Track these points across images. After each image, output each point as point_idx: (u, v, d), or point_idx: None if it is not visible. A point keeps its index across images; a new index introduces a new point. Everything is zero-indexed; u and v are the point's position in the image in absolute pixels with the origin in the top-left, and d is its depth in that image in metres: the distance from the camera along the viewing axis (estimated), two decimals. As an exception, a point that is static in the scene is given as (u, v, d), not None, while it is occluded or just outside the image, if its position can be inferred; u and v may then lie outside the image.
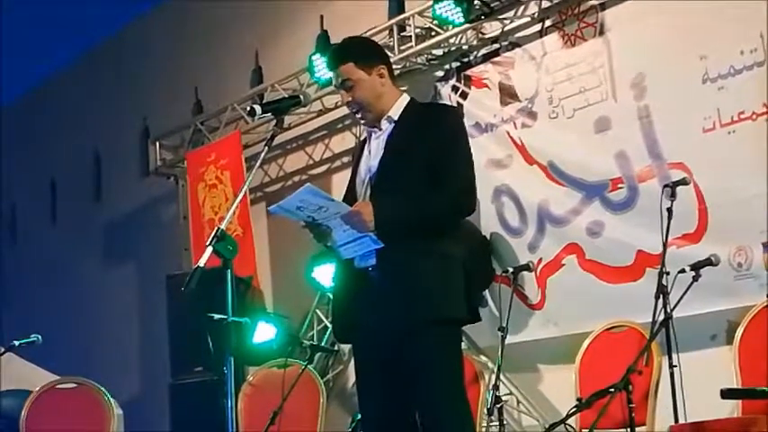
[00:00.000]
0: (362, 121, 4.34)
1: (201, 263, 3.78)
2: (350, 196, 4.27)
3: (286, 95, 8.77)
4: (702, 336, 6.45)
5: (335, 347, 8.82)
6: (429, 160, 4.10)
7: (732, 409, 5.57)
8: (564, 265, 7.28)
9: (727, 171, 6.41)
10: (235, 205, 4.19)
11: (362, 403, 4.23)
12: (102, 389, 7.28)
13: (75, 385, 7.36)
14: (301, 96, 4.32)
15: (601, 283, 7.06)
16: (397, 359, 4.01)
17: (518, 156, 7.65)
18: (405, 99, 4.29)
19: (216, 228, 3.84)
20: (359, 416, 7.39)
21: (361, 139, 4.48)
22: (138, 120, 11.76)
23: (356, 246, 4.07)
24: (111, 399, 7.22)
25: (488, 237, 7.67)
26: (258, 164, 4.19)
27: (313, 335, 9.10)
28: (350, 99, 4.22)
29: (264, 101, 9.08)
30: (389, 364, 4.04)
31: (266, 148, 4.08)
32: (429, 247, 4.04)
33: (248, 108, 4.16)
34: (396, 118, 4.23)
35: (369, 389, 4.17)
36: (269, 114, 4.30)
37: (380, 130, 4.26)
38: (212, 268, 3.79)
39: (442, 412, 4.00)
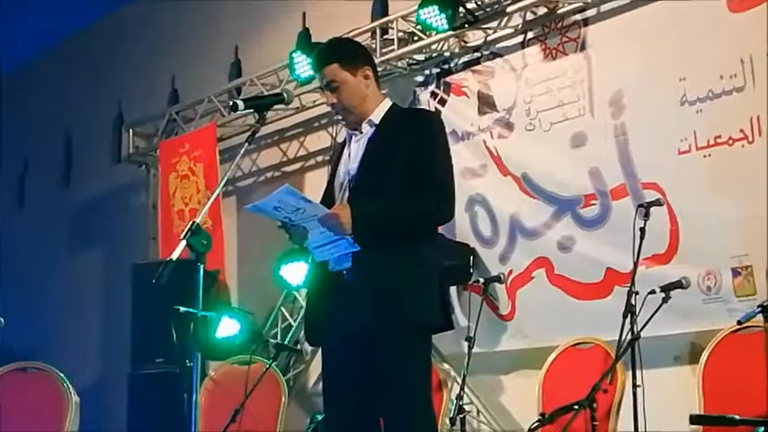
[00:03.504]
0: (343, 123, 4.34)
1: (174, 256, 3.79)
2: (327, 198, 4.26)
3: (264, 91, 8.85)
4: (665, 356, 6.46)
5: (298, 347, 8.79)
6: (409, 165, 4.10)
7: (693, 430, 5.58)
8: (533, 278, 7.27)
9: (700, 194, 6.40)
10: (210, 201, 4.18)
11: (328, 406, 4.22)
12: (61, 375, 7.22)
13: (34, 370, 7.31)
14: (284, 94, 4.32)
15: (569, 299, 7.04)
16: (367, 363, 4.01)
17: (493, 166, 7.65)
18: (387, 103, 4.30)
19: (191, 221, 3.84)
20: (318, 416, 7.41)
21: (341, 141, 4.47)
22: (113, 105, 11.67)
23: (332, 248, 4.06)
24: (70, 386, 7.17)
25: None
26: (237, 159, 4.21)
27: (277, 333, 9.07)
28: (334, 101, 4.21)
29: (243, 95, 9.07)
30: (359, 369, 4.04)
31: (247, 144, 4.08)
32: (406, 253, 4.05)
33: (230, 103, 4.15)
34: (377, 122, 4.24)
35: (335, 392, 4.16)
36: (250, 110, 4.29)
37: (361, 133, 4.25)
38: (180, 260, 3.78)
39: (408, 420, 4.00)
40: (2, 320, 7.77)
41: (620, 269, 6.65)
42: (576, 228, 7.09)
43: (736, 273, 6.21)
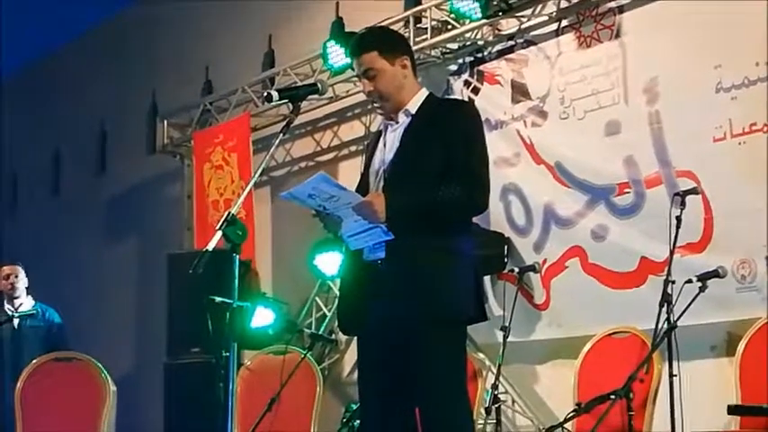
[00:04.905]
0: (380, 111, 4.33)
1: (210, 247, 3.79)
2: (362, 187, 4.25)
3: (298, 81, 8.86)
4: (701, 346, 6.42)
5: (333, 337, 8.81)
6: (444, 155, 4.08)
7: (729, 421, 5.56)
8: (567, 267, 7.25)
9: (734, 182, 6.36)
10: (246, 192, 4.20)
11: (363, 397, 4.22)
12: (99, 364, 7.31)
13: (72, 360, 7.39)
14: (319, 85, 4.30)
15: (603, 288, 7.03)
16: (402, 355, 4.00)
17: (526, 155, 7.62)
18: (423, 93, 4.28)
19: (227, 212, 3.85)
20: (354, 406, 7.43)
21: (377, 130, 4.46)
22: (147, 96, 11.73)
23: (366, 236, 4.05)
24: (107, 375, 7.24)
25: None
26: (272, 150, 4.17)
27: (311, 322, 9.09)
28: (371, 89, 4.20)
29: (276, 85, 9.09)
30: (393, 359, 4.03)
31: (281, 134, 4.08)
32: (440, 244, 4.03)
33: (265, 93, 4.16)
34: (413, 111, 4.22)
35: (370, 382, 4.16)
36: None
37: (397, 122, 4.24)
38: (214, 250, 3.79)
39: (443, 411, 3.99)
40: (38, 310, 7.96)
41: (654, 258, 6.64)
42: (609, 216, 7.07)
43: (771, 262, 6.17)
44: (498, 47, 7.94)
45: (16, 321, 8.51)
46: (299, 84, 8.45)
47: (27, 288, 8.79)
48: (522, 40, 7.76)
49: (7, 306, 8.63)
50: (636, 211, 6.92)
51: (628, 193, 6.97)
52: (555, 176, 7.42)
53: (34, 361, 7.30)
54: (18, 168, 14.38)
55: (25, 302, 8.72)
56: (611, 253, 7.03)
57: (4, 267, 8.81)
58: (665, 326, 5.38)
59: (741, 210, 6.30)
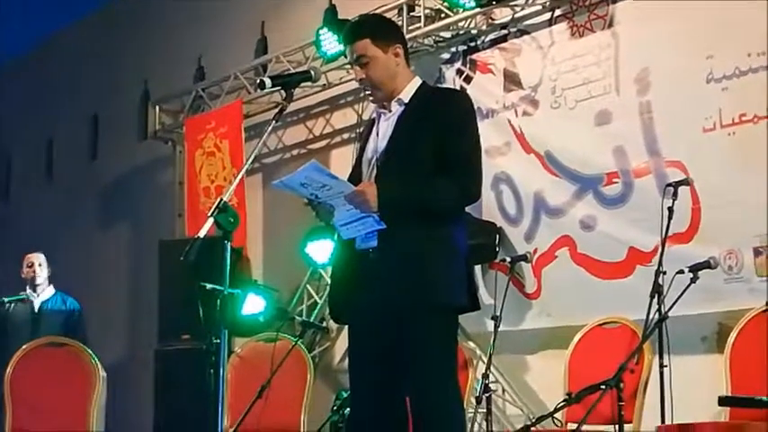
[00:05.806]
0: (371, 99, 4.31)
1: (202, 234, 3.79)
2: (355, 176, 4.25)
3: (290, 68, 8.85)
4: (691, 337, 6.43)
5: (324, 324, 8.82)
6: (437, 145, 4.07)
7: (719, 412, 5.56)
8: (557, 257, 7.26)
9: (723, 173, 6.36)
10: (238, 179, 4.20)
11: (354, 383, 4.22)
12: (89, 350, 7.31)
13: (62, 345, 7.39)
14: (312, 72, 4.29)
15: (591, 278, 7.04)
16: (393, 343, 4.01)
17: (516, 144, 7.62)
18: (417, 82, 4.27)
19: (219, 199, 3.84)
20: (344, 394, 7.43)
21: (370, 119, 4.46)
22: (139, 82, 11.72)
23: (358, 225, 4.05)
24: (98, 361, 7.23)
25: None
26: (264, 137, 4.17)
27: (302, 310, 9.10)
28: (363, 76, 4.18)
29: (268, 72, 9.08)
30: (384, 348, 4.03)
31: (274, 121, 4.08)
32: (432, 233, 4.03)
33: (258, 80, 4.14)
34: (406, 100, 4.21)
35: (361, 370, 4.16)
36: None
37: (390, 111, 4.23)
38: (206, 237, 3.80)
39: (434, 400, 3.99)
40: (29, 295, 7.97)
41: (642, 248, 6.66)
42: (598, 206, 7.08)
43: (757, 252, 6.18)
44: (491, 36, 7.94)
45: (36, 305, 8.60)
46: (292, 71, 8.43)
47: (49, 277, 8.87)
48: (515, 30, 7.77)
49: (29, 292, 8.73)
50: (623, 201, 6.93)
51: (616, 182, 6.98)
52: (544, 165, 7.43)
53: (24, 346, 7.29)
54: (12, 154, 14.36)
55: (47, 291, 8.79)
56: (599, 243, 7.05)
57: (28, 255, 8.91)
58: (656, 316, 5.39)
59: (729, 200, 6.30)
